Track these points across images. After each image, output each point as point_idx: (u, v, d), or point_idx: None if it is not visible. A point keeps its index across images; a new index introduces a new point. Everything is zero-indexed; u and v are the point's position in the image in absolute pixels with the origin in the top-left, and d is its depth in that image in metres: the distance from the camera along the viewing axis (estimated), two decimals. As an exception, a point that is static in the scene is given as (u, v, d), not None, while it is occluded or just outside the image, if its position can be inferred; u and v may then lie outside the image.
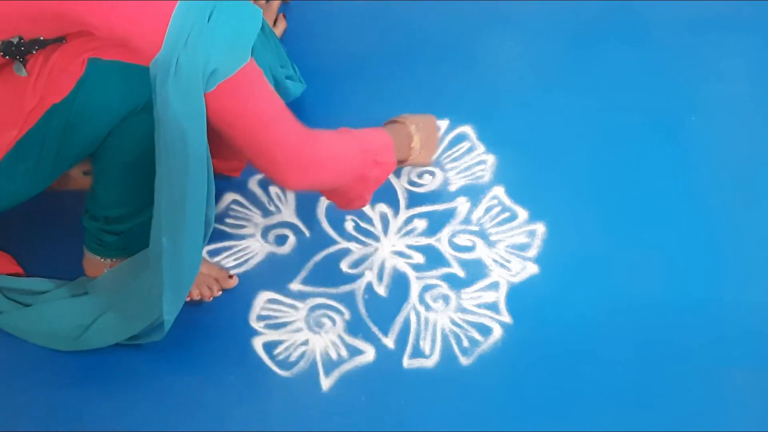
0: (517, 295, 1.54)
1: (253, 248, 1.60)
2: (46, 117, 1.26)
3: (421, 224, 1.62)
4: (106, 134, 1.31)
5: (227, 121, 1.23)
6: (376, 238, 1.61)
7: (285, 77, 1.63)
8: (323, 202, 1.64)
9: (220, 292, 1.52)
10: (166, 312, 1.36)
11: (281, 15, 1.83)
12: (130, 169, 1.37)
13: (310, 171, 1.36)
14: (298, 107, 1.73)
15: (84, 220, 1.46)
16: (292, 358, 1.48)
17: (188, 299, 1.49)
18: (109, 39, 1.19)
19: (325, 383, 1.46)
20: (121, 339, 1.44)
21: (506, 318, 1.52)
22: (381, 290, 1.55)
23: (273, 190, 1.65)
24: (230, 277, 1.54)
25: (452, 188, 1.66)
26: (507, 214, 1.63)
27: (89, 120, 1.28)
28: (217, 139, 1.28)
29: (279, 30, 1.80)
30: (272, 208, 1.64)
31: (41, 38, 1.22)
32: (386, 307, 1.53)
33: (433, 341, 1.50)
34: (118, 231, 1.44)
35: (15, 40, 1.21)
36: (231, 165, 1.63)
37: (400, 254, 1.59)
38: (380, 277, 1.56)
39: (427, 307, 1.53)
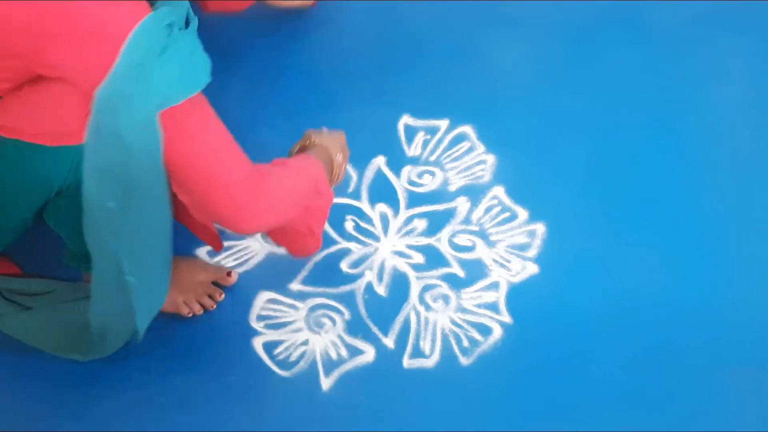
0: (517, 295, 1.54)
1: (253, 248, 1.60)
2: None
3: (421, 224, 1.62)
4: (28, 215, 1.29)
5: (174, 152, 1.15)
6: (376, 238, 1.61)
7: None
8: (323, 202, 1.64)
9: (223, 296, 1.52)
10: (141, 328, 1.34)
11: None
12: (81, 233, 1.30)
13: (262, 209, 1.28)
14: (297, 107, 1.73)
15: (64, 259, 1.45)
16: (292, 358, 1.48)
17: (190, 315, 1.50)
18: (36, 67, 1.12)
19: (325, 383, 1.46)
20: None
21: (506, 318, 1.52)
22: (381, 290, 1.55)
23: (273, 190, 1.65)
24: (228, 274, 1.53)
25: (452, 188, 1.66)
26: (507, 214, 1.63)
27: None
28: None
29: None
30: (272, 208, 1.64)
31: None
32: (386, 307, 1.53)
33: (433, 341, 1.50)
34: None
35: None
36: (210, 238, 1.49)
37: (400, 254, 1.59)
38: (380, 277, 1.56)
39: (427, 307, 1.53)
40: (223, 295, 1.52)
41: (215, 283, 1.53)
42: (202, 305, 1.50)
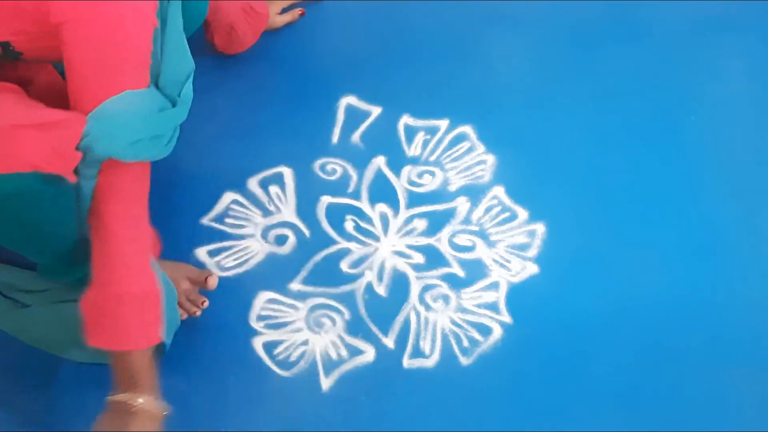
0: (517, 295, 1.54)
1: (253, 248, 1.60)
2: None
3: (421, 224, 1.62)
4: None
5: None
6: (376, 238, 1.61)
7: None
8: (323, 202, 1.64)
9: (206, 304, 1.48)
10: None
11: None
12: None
13: None
14: (298, 107, 1.73)
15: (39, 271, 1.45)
16: (292, 358, 1.48)
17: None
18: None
19: (325, 383, 1.46)
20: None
21: (506, 318, 1.52)
22: (381, 290, 1.55)
23: (273, 190, 1.65)
24: (208, 277, 1.48)
25: (452, 188, 1.66)
26: (507, 214, 1.63)
27: None
28: None
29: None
30: (272, 208, 1.64)
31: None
32: (386, 307, 1.53)
33: (433, 341, 1.50)
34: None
35: None
36: None
37: (400, 254, 1.59)
38: (380, 277, 1.56)
39: (427, 307, 1.53)
40: (206, 303, 1.49)
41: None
42: (186, 311, 1.48)
